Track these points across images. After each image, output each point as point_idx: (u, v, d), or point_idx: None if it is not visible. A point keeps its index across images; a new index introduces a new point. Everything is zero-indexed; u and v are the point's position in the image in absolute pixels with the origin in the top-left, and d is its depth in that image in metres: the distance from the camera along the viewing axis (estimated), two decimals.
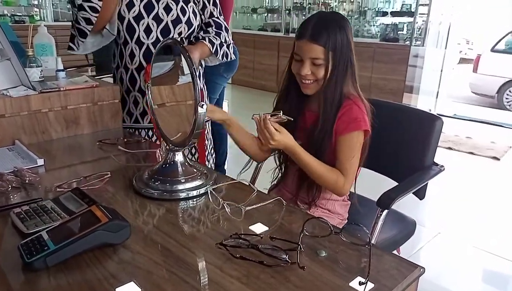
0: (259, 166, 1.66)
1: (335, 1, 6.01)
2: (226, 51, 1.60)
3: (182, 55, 0.97)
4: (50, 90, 1.37)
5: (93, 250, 0.76)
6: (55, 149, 1.34)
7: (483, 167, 3.67)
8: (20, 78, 1.40)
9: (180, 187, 1.00)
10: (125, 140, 1.38)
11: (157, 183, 1.01)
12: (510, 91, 6.12)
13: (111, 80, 1.67)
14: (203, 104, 0.91)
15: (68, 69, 1.74)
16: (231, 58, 1.64)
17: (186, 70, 0.94)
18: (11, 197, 0.98)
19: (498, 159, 3.79)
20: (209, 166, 1.70)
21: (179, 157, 1.04)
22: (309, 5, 6.18)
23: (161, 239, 0.82)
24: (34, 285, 0.68)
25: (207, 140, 1.69)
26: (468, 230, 2.54)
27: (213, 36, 1.55)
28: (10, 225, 0.85)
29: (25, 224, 0.82)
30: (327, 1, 6.06)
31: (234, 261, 0.74)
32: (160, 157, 1.16)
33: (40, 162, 1.17)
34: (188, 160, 1.07)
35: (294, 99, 1.30)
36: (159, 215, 0.93)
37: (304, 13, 6.24)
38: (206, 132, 1.68)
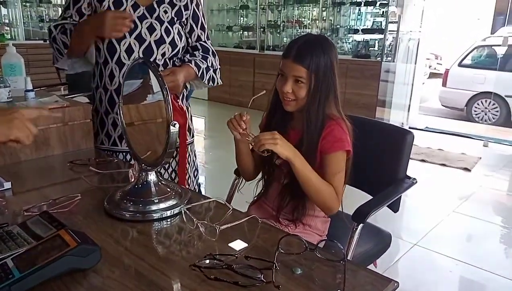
0: (235, 183, 1.65)
1: (309, 20, 6.14)
2: (212, 76, 1.58)
3: (153, 74, 0.96)
4: None
5: (62, 276, 0.73)
6: (23, 171, 1.30)
7: (455, 178, 3.78)
8: None
9: (154, 207, 0.98)
10: (97, 160, 1.35)
11: (129, 204, 0.99)
12: (477, 104, 6.36)
13: (84, 99, 1.64)
14: (175, 123, 0.90)
15: (39, 89, 1.70)
16: (217, 83, 1.62)
17: (156, 88, 0.94)
18: None
19: (469, 170, 3.91)
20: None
21: (152, 177, 1.03)
22: (283, 23, 6.29)
23: (133, 262, 0.80)
24: None
25: (189, 163, 1.65)
26: (442, 241, 2.59)
27: (200, 60, 1.52)
28: None
29: None
30: (300, 19, 6.19)
31: (209, 283, 0.72)
32: (132, 177, 1.14)
33: (7, 185, 1.13)
34: (161, 179, 1.06)
35: (279, 117, 1.32)
36: (131, 237, 0.91)
37: (278, 31, 6.35)
38: (188, 155, 1.64)
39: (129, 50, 1.42)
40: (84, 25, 1.42)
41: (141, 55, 1.42)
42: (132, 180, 1.11)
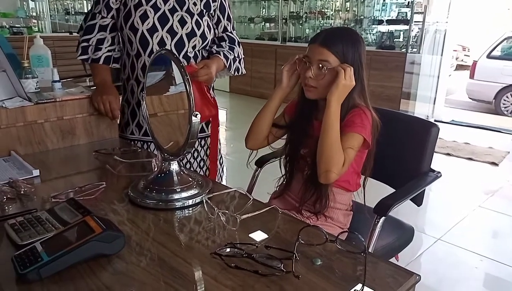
0: (256, 174, 1.65)
1: (332, 10, 6.05)
2: (238, 66, 1.61)
3: (176, 66, 0.97)
4: (46, 101, 1.37)
5: (88, 261, 0.75)
6: (51, 159, 1.34)
7: (482, 172, 3.68)
8: (15, 89, 1.40)
9: (176, 196, 1.00)
10: (121, 150, 1.38)
11: (152, 193, 1.00)
12: (507, 97, 6.15)
13: None
14: (197, 114, 0.91)
15: (65, 80, 1.74)
16: (242, 72, 1.64)
17: (179, 79, 0.95)
18: (6, 208, 0.98)
19: (497, 164, 3.80)
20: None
21: (174, 166, 1.04)
22: (306, 14, 6.22)
23: (156, 249, 0.82)
24: None
25: (220, 155, 1.66)
26: (467, 236, 2.53)
27: (227, 51, 1.54)
28: (4, 237, 0.85)
29: (19, 235, 0.82)
30: (323, 10, 6.11)
31: (229, 271, 0.73)
32: (155, 166, 1.16)
33: (36, 172, 1.17)
34: (183, 169, 1.07)
35: (305, 106, 1.32)
36: (154, 225, 0.92)
37: (300, 22, 6.29)
38: (218, 149, 1.64)
39: (162, 43, 1.43)
40: (95, 81, 1.52)
41: (173, 48, 1.44)
42: (155, 169, 1.13)
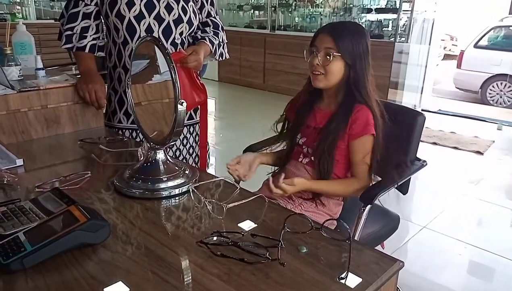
0: None
1: None
2: (222, 51, 1.61)
3: (161, 54, 0.96)
4: (29, 89, 1.34)
5: (72, 251, 0.75)
6: (35, 148, 1.32)
7: (467, 161, 3.73)
8: None
9: (162, 185, 0.99)
10: (107, 139, 1.37)
11: (138, 182, 1.00)
12: (493, 87, 6.22)
13: None
14: (182, 102, 0.90)
15: (50, 68, 1.71)
16: (225, 57, 1.64)
17: (164, 67, 0.94)
18: None
19: (482, 153, 3.86)
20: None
21: (160, 155, 1.03)
22: (295, 2, 6.18)
23: (142, 238, 0.82)
24: (11, 287, 0.67)
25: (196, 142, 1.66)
26: (452, 224, 2.58)
27: (212, 36, 1.54)
28: None
29: (2, 225, 0.81)
30: None
31: (215, 259, 0.73)
32: (142, 155, 1.15)
33: (19, 162, 1.15)
34: (170, 158, 1.07)
35: (308, 96, 1.38)
36: (140, 214, 0.92)
37: (290, 10, 6.25)
38: (196, 134, 1.65)
39: (149, 30, 1.41)
40: (80, 69, 1.49)
41: (160, 35, 1.42)
42: (141, 158, 1.12)
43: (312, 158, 1.32)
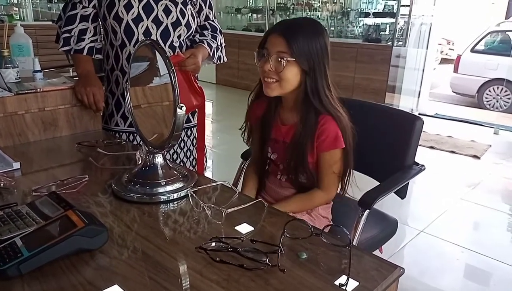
0: (242, 167, 1.65)
1: (319, 2, 6.04)
2: (220, 55, 1.61)
3: (160, 57, 0.95)
4: (26, 91, 1.33)
5: (69, 256, 0.74)
6: (32, 151, 1.31)
7: (464, 165, 3.74)
8: None
9: (161, 189, 0.99)
10: (105, 142, 1.36)
11: (136, 186, 0.99)
12: (489, 91, 6.25)
13: None
14: (182, 106, 0.90)
15: (47, 70, 1.70)
16: (223, 60, 1.63)
17: (163, 70, 0.93)
18: None
19: (479, 157, 3.87)
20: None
21: (159, 159, 1.03)
22: (293, 6, 6.20)
23: (139, 244, 0.81)
24: None
25: (193, 145, 1.66)
26: (449, 228, 2.58)
27: (210, 39, 1.54)
28: None
29: None
30: (310, 2, 6.09)
31: (214, 265, 0.73)
32: (140, 159, 1.14)
33: (16, 165, 1.14)
34: (168, 162, 1.06)
35: (267, 103, 1.28)
36: (138, 219, 0.91)
37: (287, 14, 6.26)
38: (193, 137, 1.64)
39: (147, 33, 1.41)
40: (78, 72, 1.48)
41: (159, 38, 1.41)
42: (140, 162, 1.11)
43: (289, 175, 1.27)
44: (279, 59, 1.11)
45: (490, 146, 4.20)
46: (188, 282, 0.70)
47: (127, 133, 1.53)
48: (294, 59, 1.10)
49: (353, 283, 0.69)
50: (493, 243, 2.44)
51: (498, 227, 2.69)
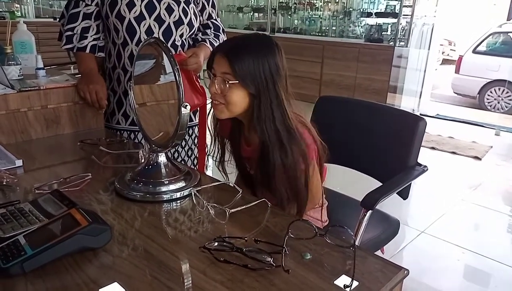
0: None
1: (321, 1, 6.03)
2: None
3: (165, 55, 0.95)
4: (29, 89, 1.33)
5: (73, 254, 0.74)
6: (34, 149, 1.31)
7: (465, 166, 3.74)
8: None
9: (164, 188, 0.98)
10: (107, 140, 1.36)
11: (139, 185, 0.99)
12: (491, 92, 6.24)
13: None
14: (186, 105, 0.90)
15: (49, 67, 1.70)
16: None
17: (169, 69, 0.93)
18: None
19: (480, 159, 3.87)
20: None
21: (162, 158, 1.02)
22: (295, 5, 6.19)
23: (143, 243, 0.81)
24: None
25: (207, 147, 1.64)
26: (450, 229, 2.58)
27: (213, 38, 1.54)
28: None
29: (1, 228, 0.79)
30: (312, 1, 6.08)
31: (218, 265, 0.72)
32: (142, 158, 1.14)
33: (19, 162, 1.14)
34: (172, 160, 1.06)
35: (232, 129, 1.22)
36: (141, 218, 0.91)
37: (289, 13, 6.25)
38: (195, 136, 1.64)
39: (149, 32, 1.40)
40: (80, 70, 1.48)
41: (161, 37, 1.41)
42: (142, 160, 1.11)
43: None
44: (225, 81, 1.03)
45: (491, 147, 4.20)
46: (191, 282, 0.69)
47: (128, 132, 1.52)
48: (237, 81, 1.02)
49: (357, 285, 0.69)
50: (494, 244, 2.44)
51: (499, 228, 2.69)
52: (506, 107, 6.10)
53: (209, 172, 1.81)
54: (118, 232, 0.83)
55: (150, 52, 1.03)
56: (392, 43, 5.04)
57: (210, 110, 1.18)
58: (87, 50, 1.45)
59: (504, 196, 3.24)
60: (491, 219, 2.78)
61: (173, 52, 1.44)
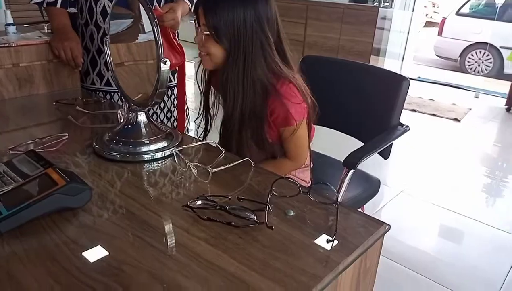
0: None
1: None
2: None
3: (143, 10, 0.90)
4: None
5: (51, 215, 0.72)
6: (7, 109, 1.25)
7: (445, 128, 3.81)
8: None
9: (144, 148, 0.96)
10: (84, 100, 1.31)
11: (119, 145, 0.96)
12: (472, 55, 6.28)
13: None
14: (166, 61, 0.86)
15: (20, 25, 1.60)
16: None
17: (148, 27, 0.88)
18: None
19: (459, 121, 3.94)
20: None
21: (141, 117, 0.99)
22: None
23: (124, 203, 0.79)
24: None
25: (187, 106, 1.60)
26: (428, 188, 2.65)
27: None
28: None
29: None
30: None
31: (202, 223, 0.72)
32: (121, 118, 1.10)
33: None
34: (152, 120, 1.03)
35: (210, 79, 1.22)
36: (122, 178, 0.89)
37: None
38: (186, 100, 1.59)
39: None
40: (53, 26, 1.39)
41: None
42: (121, 120, 1.08)
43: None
44: (202, 32, 1.04)
45: (471, 109, 4.27)
46: (175, 240, 0.69)
47: (104, 92, 1.47)
48: (208, 33, 1.01)
49: (340, 239, 0.69)
50: (469, 202, 2.53)
51: (474, 187, 2.78)
52: (486, 70, 6.17)
53: (190, 135, 1.78)
54: (98, 193, 0.81)
55: (126, 12, 0.97)
56: (376, 3, 4.96)
57: (199, 65, 1.16)
58: (58, 5, 1.37)
59: (481, 157, 3.34)
60: (468, 179, 2.87)
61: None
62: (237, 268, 0.62)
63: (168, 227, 0.73)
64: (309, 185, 1.36)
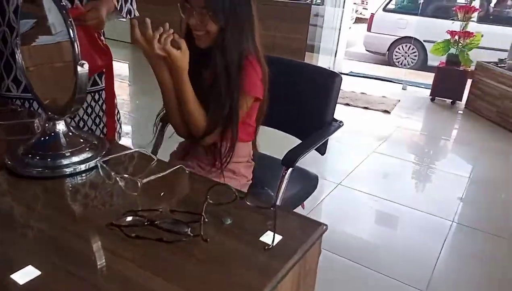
0: (163, 131, 1.55)
1: None
2: (130, 8, 1.42)
3: (57, 9, 0.81)
4: None
5: None
6: None
7: (376, 120, 3.99)
8: None
9: (65, 161, 0.87)
10: None
11: (35, 159, 0.86)
12: (398, 49, 6.66)
13: None
14: (83, 63, 0.78)
15: None
16: (134, 15, 1.46)
17: (58, 26, 0.80)
18: None
19: (389, 112, 4.15)
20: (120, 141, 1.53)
21: (60, 127, 0.90)
22: None
23: (42, 224, 0.71)
24: None
25: (117, 110, 1.50)
26: (363, 179, 2.76)
27: None
28: None
29: None
30: None
31: (130, 242, 0.66)
32: (39, 128, 1.00)
33: None
34: (72, 129, 0.94)
35: (191, 55, 1.16)
36: (40, 196, 0.80)
37: None
38: (116, 103, 1.49)
39: None
40: None
41: None
42: (39, 131, 0.98)
43: None
44: (202, 15, 1.11)
45: (399, 100, 4.52)
46: (101, 264, 0.63)
47: (22, 100, 1.33)
48: (211, 14, 1.09)
49: (278, 244, 0.68)
50: (400, 190, 2.67)
51: (405, 175, 2.94)
52: (412, 63, 6.58)
53: (126, 141, 1.69)
54: (11, 215, 0.73)
55: (38, 10, 0.88)
56: (309, 1, 5.07)
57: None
58: None
59: (409, 145, 3.54)
60: (398, 167, 3.04)
61: (68, 6, 1.26)
62: (169, 290, 0.57)
63: (91, 249, 0.66)
64: (250, 183, 1.34)
